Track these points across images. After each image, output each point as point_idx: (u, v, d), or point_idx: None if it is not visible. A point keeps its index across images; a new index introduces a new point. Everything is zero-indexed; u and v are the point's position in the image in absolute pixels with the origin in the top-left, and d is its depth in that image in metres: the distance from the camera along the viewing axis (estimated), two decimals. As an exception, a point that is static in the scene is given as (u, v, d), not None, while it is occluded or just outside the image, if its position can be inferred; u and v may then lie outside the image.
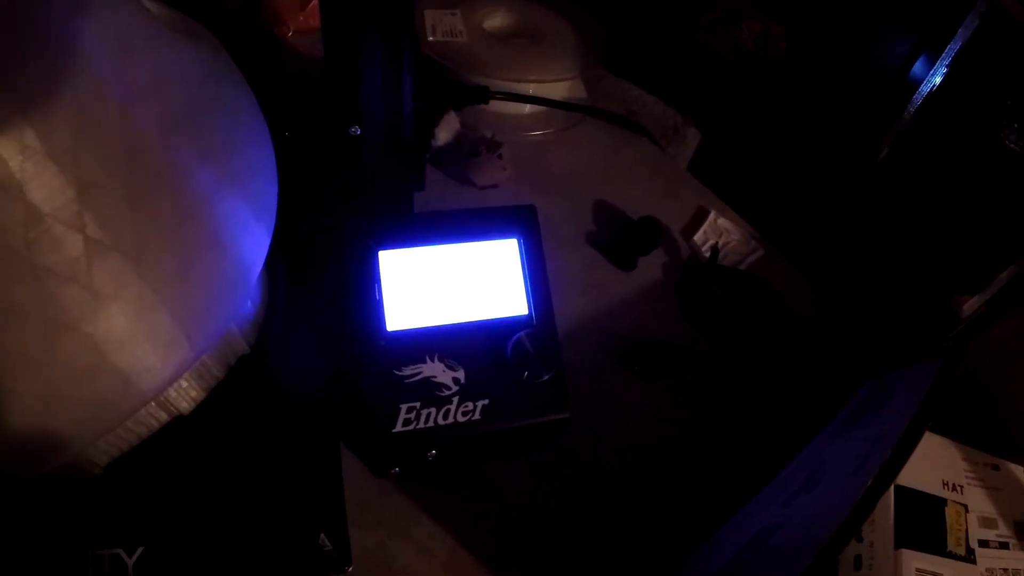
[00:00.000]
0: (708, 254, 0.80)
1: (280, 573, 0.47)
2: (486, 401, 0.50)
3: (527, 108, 0.89)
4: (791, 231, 0.87)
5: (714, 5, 0.94)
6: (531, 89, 0.87)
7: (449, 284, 0.52)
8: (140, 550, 0.46)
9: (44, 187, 0.32)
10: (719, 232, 0.83)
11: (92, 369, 0.36)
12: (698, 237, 0.82)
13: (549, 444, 0.57)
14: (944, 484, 0.83)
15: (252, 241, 0.43)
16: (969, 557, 0.76)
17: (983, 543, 0.78)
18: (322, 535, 0.50)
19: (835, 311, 0.79)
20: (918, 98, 0.79)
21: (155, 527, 0.46)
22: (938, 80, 0.75)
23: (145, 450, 0.45)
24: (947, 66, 0.74)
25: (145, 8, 0.40)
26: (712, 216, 0.84)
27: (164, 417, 0.45)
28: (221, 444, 0.50)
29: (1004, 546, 0.79)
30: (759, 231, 0.84)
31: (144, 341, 0.37)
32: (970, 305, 0.84)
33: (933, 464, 0.83)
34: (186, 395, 0.46)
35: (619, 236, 0.77)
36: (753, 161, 0.93)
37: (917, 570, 0.71)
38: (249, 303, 0.51)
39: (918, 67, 0.78)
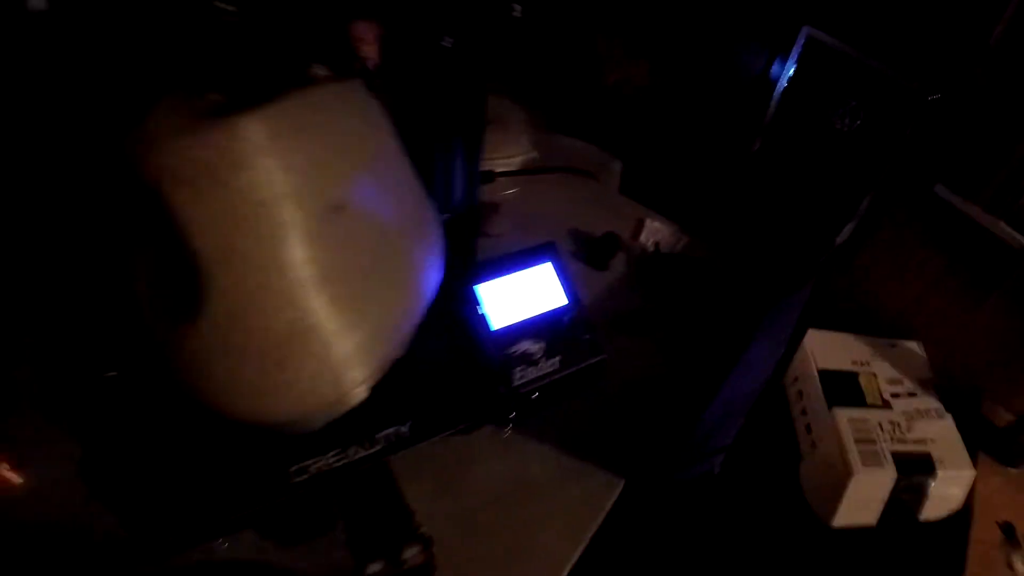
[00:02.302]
0: (652, 249, 1.14)
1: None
2: (559, 357, 0.83)
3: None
4: (700, 217, 1.22)
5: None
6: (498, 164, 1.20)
7: (519, 295, 0.84)
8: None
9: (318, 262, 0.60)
10: (654, 232, 1.18)
11: (324, 377, 0.63)
12: (642, 238, 1.17)
13: (596, 380, 0.89)
14: (854, 362, 1.19)
15: (432, 284, 0.73)
16: (886, 405, 1.11)
17: (895, 395, 1.14)
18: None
19: (740, 267, 1.14)
20: (777, 93, 1.15)
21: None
22: (791, 72, 1.11)
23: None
24: (796, 62, 1.10)
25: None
26: (647, 222, 1.18)
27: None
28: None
29: (912, 395, 1.15)
30: (678, 223, 1.19)
31: (357, 364, 0.65)
32: (839, 237, 1.20)
33: (844, 350, 1.20)
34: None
35: (592, 248, 1.11)
36: (663, 172, 1.28)
37: (849, 419, 1.07)
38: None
39: (775, 68, 1.14)
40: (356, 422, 0.68)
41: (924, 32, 0.98)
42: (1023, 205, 1.05)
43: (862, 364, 1.17)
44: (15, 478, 0.80)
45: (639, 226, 1.19)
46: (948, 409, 1.10)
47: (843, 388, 1.11)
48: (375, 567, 0.66)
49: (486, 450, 0.86)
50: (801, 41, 1.07)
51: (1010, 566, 1.00)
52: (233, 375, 0.59)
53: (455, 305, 0.82)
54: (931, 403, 1.11)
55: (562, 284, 0.88)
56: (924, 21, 0.97)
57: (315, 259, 0.58)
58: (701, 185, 1.25)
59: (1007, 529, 1.04)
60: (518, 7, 0.74)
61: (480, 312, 0.82)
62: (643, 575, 0.88)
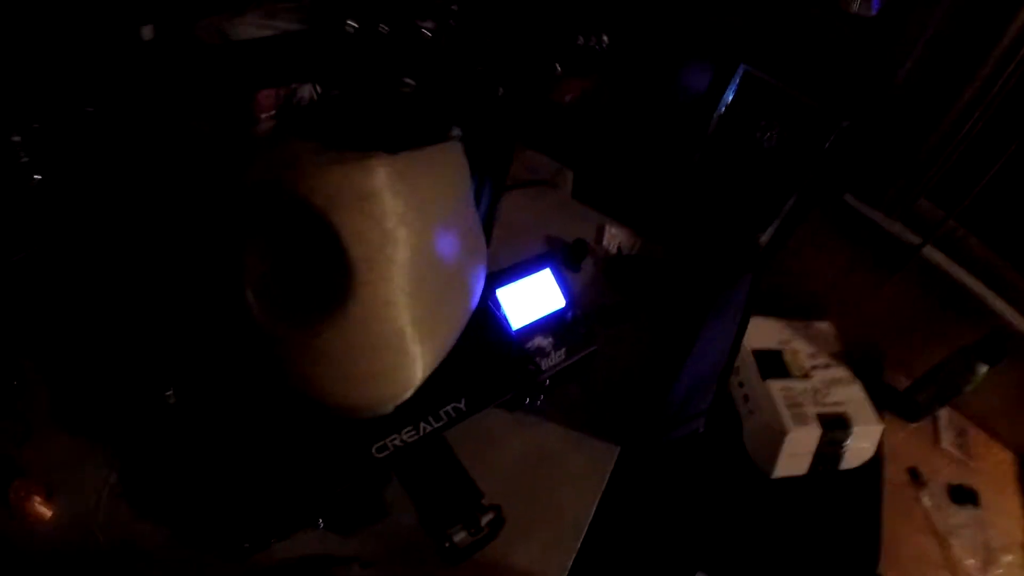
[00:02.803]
0: (615, 251, 1.33)
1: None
2: (564, 348, 1.00)
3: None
4: (650, 220, 1.42)
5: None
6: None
7: (528, 298, 1.01)
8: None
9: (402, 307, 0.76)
10: (614, 237, 1.37)
11: (406, 372, 0.79)
12: (604, 242, 1.36)
13: (590, 365, 1.07)
14: (780, 342, 1.42)
15: (478, 297, 0.89)
16: (808, 376, 1.34)
17: (814, 367, 1.38)
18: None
19: (689, 262, 1.35)
20: (717, 115, 1.35)
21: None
22: (729, 99, 1.31)
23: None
24: (734, 91, 1.30)
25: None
26: (608, 228, 1.37)
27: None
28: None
29: (828, 366, 1.39)
30: (631, 227, 1.38)
31: (424, 364, 0.80)
32: (764, 237, 1.42)
33: (770, 332, 1.43)
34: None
35: (566, 253, 1.28)
36: (615, 180, 1.47)
37: (779, 388, 1.29)
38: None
39: (716, 94, 1.34)
40: (422, 402, 0.84)
41: (840, 70, 1.20)
42: (915, 210, 1.31)
43: (786, 343, 1.40)
44: (46, 512, 0.83)
45: (601, 232, 1.38)
46: (857, 376, 1.35)
47: (772, 363, 1.35)
48: (459, 535, 0.81)
49: (506, 430, 1.03)
50: (739, 75, 1.27)
51: (919, 501, 1.26)
52: (352, 365, 0.75)
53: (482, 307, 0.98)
54: (843, 372, 1.36)
55: (560, 287, 1.05)
56: (840, 62, 1.20)
57: (414, 277, 0.74)
58: (649, 192, 1.45)
59: (913, 472, 1.30)
60: (559, 67, 0.89)
61: (502, 314, 0.99)
62: (639, 523, 1.08)
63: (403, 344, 0.77)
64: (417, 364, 0.80)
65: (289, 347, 0.75)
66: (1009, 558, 1.24)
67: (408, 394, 0.82)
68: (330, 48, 0.59)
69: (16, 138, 0.63)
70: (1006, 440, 1.45)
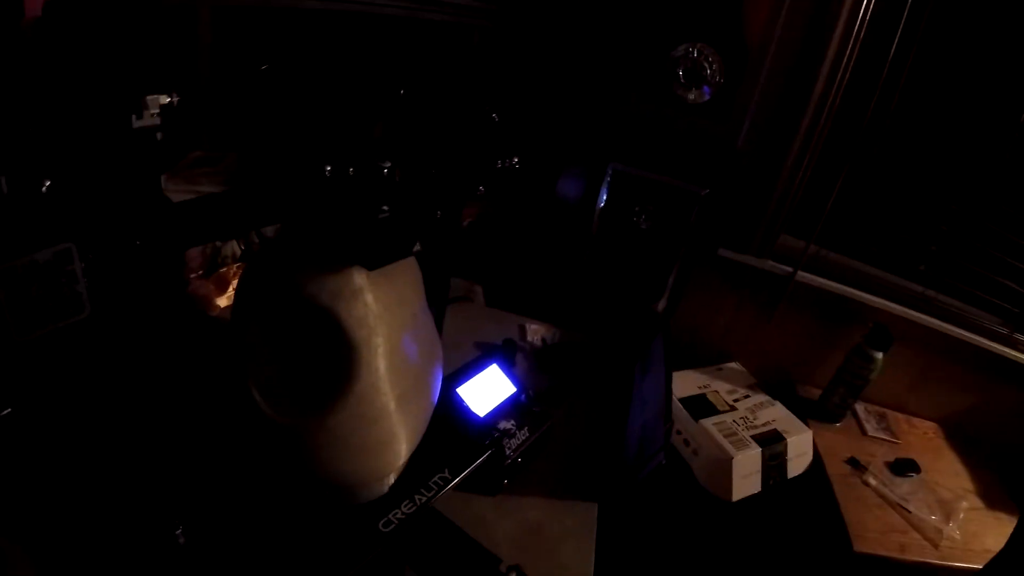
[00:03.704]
0: (540, 343, 1.48)
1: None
2: (526, 426, 1.13)
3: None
4: (558, 312, 1.58)
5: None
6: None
7: (484, 390, 1.13)
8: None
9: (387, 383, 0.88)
10: (536, 331, 1.51)
11: (390, 449, 0.91)
12: (529, 338, 1.50)
13: (549, 439, 1.18)
14: (699, 387, 1.58)
15: (438, 391, 1.00)
16: (733, 408, 1.50)
17: (735, 400, 1.53)
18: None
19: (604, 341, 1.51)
20: (598, 209, 1.54)
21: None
22: (605, 196, 1.51)
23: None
24: (607, 186, 1.51)
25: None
26: (527, 326, 1.52)
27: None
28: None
29: (747, 396, 1.55)
30: (548, 321, 1.54)
31: (404, 445, 0.92)
32: (660, 305, 1.60)
33: (689, 382, 1.60)
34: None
35: (500, 352, 1.42)
36: (521, 285, 1.64)
37: (713, 423, 1.44)
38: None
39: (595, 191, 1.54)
40: (412, 479, 0.96)
41: (690, 149, 1.44)
42: (778, 247, 1.53)
43: (705, 386, 1.57)
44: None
45: (523, 330, 1.53)
46: (775, 398, 1.52)
47: (699, 406, 1.50)
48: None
49: (493, 513, 1.11)
50: (609, 173, 1.49)
51: (866, 483, 1.40)
52: (356, 438, 0.86)
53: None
54: (762, 397, 1.53)
55: (509, 376, 1.18)
56: (689, 142, 1.43)
57: (391, 366, 0.86)
58: (554, 289, 1.62)
59: (852, 461, 1.45)
60: (481, 188, 1.03)
61: (466, 406, 1.10)
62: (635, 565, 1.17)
63: (391, 422, 0.89)
64: (402, 442, 0.92)
65: (302, 433, 0.85)
66: (965, 504, 1.39)
67: (398, 465, 0.93)
68: (310, 187, 0.73)
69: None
70: (923, 413, 1.64)
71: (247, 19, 0.77)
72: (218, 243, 1.28)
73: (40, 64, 0.61)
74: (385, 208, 0.76)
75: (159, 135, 0.66)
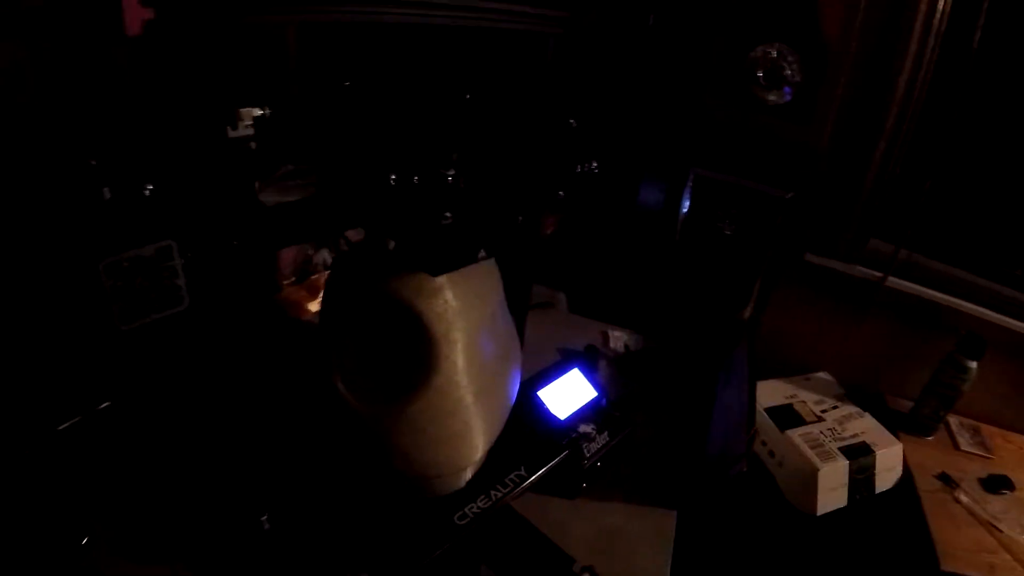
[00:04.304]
0: (623, 350, 1.49)
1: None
2: (606, 431, 1.15)
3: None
4: (642, 319, 1.58)
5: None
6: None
7: (565, 394, 1.16)
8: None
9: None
10: (618, 338, 1.52)
11: (467, 442, 0.93)
12: (611, 344, 1.51)
13: (630, 444, 1.19)
14: (786, 397, 1.56)
15: (516, 391, 1.03)
16: (821, 419, 1.47)
17: (823, 411, 1.50)
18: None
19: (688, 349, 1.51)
20: (681, 217, 1.54)
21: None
22: (688, 202, 1.51)
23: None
24: (689, 192, 1.50)
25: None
26: (610, 332, 1.53)
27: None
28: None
29: (835, 407, 1.52)
30: (631, 328, 1.55)
31: (481, 439, 0.95)
32: (746, 312, 1.58)
33: (775, 392, 1.57)
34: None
35: (582, 357, 1.43)
36: (606, 292, 1.65)
37: (800, 435, 1.42)
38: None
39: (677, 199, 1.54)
40: (488, 476, 1.00)
41: (773, 151, 1.42)
42: (868, 251, 1.49)
43: (792, 396, 1.54)
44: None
45: (606, 337, 1.54)
46: (864, 409, 1.48)
47: (785, 416, 1.47)
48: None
49: (570, 516, 1.13)
50: (692, 178, 1.48)
51: (957, 500, 1.35)
52: (434, 429, 0.90)
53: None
54: (851, 409, 1.49)
55: (590, 381, 1.20)
56: (772, 145, 1.41)
57: (469, 359, 0.90)
58: (640, 296, 1.63)
59: (943, 477, 1.40)
60: (561, 193, 1.06)
61: (547, 409, 1.12)
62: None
63: (467, 415, 0.92)
64: (478, 436, 0.95)
65: (382, 421, 0.90)
66: (1060, 526, 1.32)
67: (475, 459, 0.96)
68: (379, 196, 0.77)
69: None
70: (1019, 427, 1.57)
71: (331, 35, 0.82)
72: (310, 251, 1.34)
73: (140, 80, 0.65)
74: (448, 215, 0.79)
75: (253, 144, 0.69)
